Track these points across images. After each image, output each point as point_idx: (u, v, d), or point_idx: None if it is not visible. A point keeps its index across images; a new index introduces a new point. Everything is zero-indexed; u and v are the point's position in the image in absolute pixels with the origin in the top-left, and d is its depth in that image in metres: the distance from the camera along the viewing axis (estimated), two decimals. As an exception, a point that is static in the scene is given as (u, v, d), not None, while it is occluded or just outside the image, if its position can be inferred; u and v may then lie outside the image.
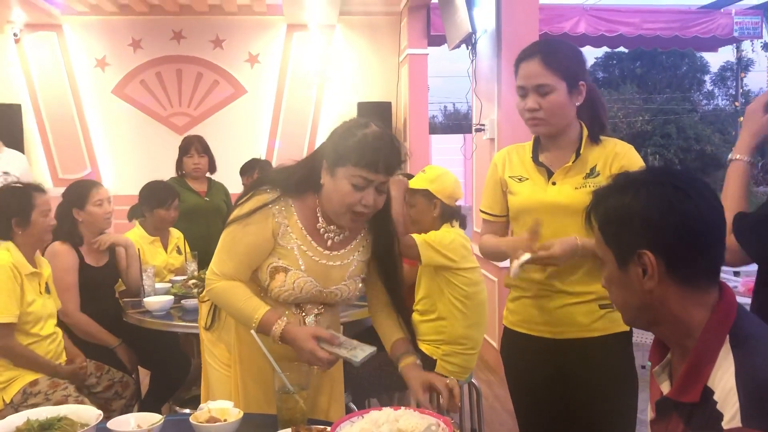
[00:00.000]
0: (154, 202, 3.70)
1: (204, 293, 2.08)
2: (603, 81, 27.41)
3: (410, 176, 3.21)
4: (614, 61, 28.18)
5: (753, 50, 22.49)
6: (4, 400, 2.67)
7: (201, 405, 1.75)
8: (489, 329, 4.55)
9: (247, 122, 7.21)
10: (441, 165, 3.15)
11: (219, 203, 4.30)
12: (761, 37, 7.94)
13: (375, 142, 1.77)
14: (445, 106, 32.99)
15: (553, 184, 2.04)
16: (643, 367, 3.81)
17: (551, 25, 7.02)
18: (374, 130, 1.79)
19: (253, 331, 1.80)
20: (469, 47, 5.34)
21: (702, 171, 22.75)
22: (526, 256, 1.89)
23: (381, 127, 1.82)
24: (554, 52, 2.02)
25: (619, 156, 2.01)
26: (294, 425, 1.67)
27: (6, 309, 2.64)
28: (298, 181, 1.89)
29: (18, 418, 1.65)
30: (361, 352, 1.82)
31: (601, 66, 27.99)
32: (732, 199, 1.73)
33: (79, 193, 3.25)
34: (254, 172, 4.32)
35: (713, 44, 8.13)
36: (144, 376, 3.49)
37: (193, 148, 4.27)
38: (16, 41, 6.93)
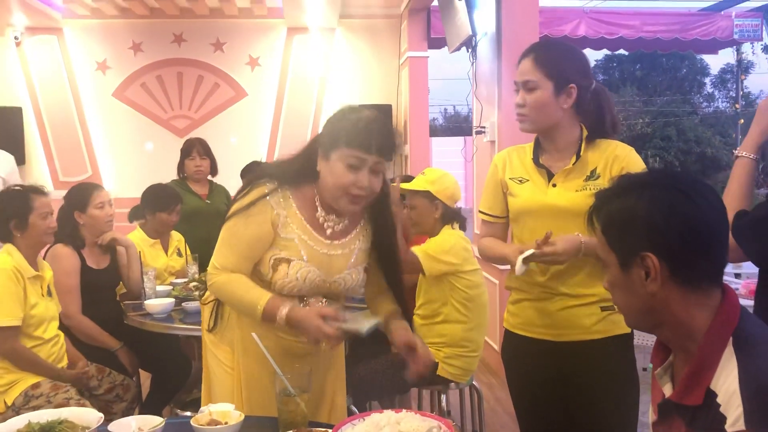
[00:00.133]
0: (157, 206, 3.71)
1: (206, 295, 2.09)
2: (603, 83, 27.29)
3: (410, 178, 3.21)
4: (614, 64, 28.19)
5: (753, 52, 22.58)
6: (5, 403, 2.67)
7: (202, 408, 1.75)
8: (490, 331, 4.55)
9: (247, 125, 7.21)
10: (441, 167, 3.16)
11: (220, 206, 4.30)
12: (761, 40, 7.94)
13: (367, 124, 1.82)
14: (446, 109, 33.02)
15: (554, 185, 2.04)
16: (644, 369, 3.81)
17: (551, 27, 7.03)
18: (367, 114, 1.84)
19: (253, 334, 1.80)
20: (470, 50, 5.34)
21: (702, 173, 22.75)
22: (530, 251, 1.89)
23: (374, 112, 1.86)
24: (546, 51, 2.05)
25: (620, 158, 2.01)
26: (295, 428, 1.66)
27: (10, 312, 2.64)
28: (295, 171, 1.92)
29: (19, 421, 1.65)
30: (366, 323, 1.84)
31: (601, 68, 27.99)
32: (734, 196, 1.73)
33: (81, 196, 3.25)
34: (255, 174, 4.32)
35: (713, 46, 8.14)
36: (145, 378, 3.48)
37: (195, 150, 4.27)
38: (17, 44, 6.93)
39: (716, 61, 33.05)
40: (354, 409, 2.88)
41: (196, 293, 3.23)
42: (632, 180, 1.27)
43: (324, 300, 1.98)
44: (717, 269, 1.23)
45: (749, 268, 5.02)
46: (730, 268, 5.07)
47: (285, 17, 6.97)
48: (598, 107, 2.06)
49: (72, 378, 2.83)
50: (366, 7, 6.99)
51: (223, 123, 7.16)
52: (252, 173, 2.03)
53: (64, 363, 2.89)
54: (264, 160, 5.85)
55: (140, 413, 3.11)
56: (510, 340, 2.20)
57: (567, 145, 2.06)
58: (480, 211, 2.26)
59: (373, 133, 1.81)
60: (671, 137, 25.02)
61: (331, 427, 1.62)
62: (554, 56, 2.02)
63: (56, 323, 2.89)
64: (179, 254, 3.89)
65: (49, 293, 2.87)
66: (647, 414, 1.43)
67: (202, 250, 3.63)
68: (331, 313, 1.81)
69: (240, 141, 7.09)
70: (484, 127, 4.97)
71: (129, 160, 7.08)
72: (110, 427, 1.61)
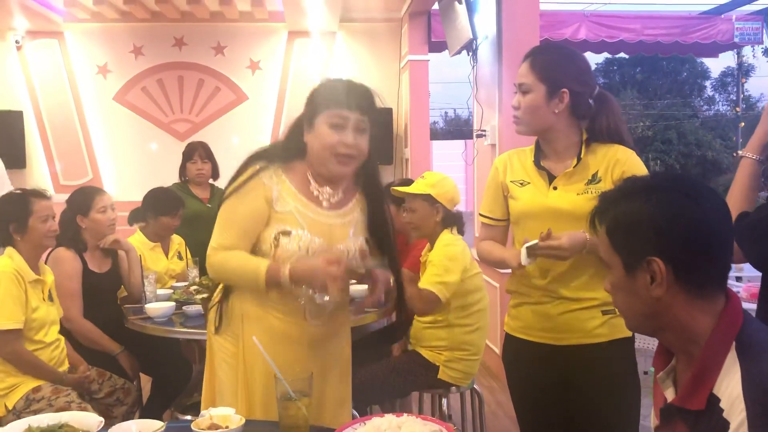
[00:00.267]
0: (159, 209, 3.71)
1: (214, 296, 2.08)
2: (603, 87, 27.30)
3: (408, 181, 3.21)
4: (615, 67, 28.21)
5: (754, 56, 22.58)
6: (6, 407, 2.67)
7: (202, 411, 1.74)
8: (491, 335, 4.55)
9: (248, 129, 7.21)
10: (442, 171, 3.16)
11: (221, 210, 4.29)
12: (762, 43, 7.96)
13: (345, 85, 1.92)
14: (446, 112, 33.06)
15: (555, 188, 2.04)
16: (646, 372, 3.80)
17: (552, 31, 7.04)
18: (343, 79, 1.95)
19: (254, 338, 1.80)
20: (470, 53, 5.35)
21: (703, 176, 22.75)
22: (534, 241, 1.89)
23: (350, 79, 1.96)
24: (543, 55, 2.06)
25: (621, 162, 2.01)
26: (296, 432, 1.66)
27: (12, 315, 2.65)
28: (284, 149, 1.99)
29: (19, 425, 1.65)
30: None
31: (602, 72, 28.01)
32: (736, 197, 1.73)
33: (83, 199, 3.26)
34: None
35: (714, 50, 8.14)
36: (145, 382, 3.48)
37: (197, 153, 4.27)
38: (18, 48, 6.94)
39: (717, 65, 33.15)
40: (355, 413, 2.87)
41: (197, 297, 3.22)
42: (639, 183, 1.27)
43: None
44: (722, 274, 1.22)
45: (750, 272, 5.02)
46: (731, 271, 5.06)
47: (286, 21, 6.98)
48: (600, 111, 2.06)
49: (73, 382, 2.83)
50: (367, 11, 6.99)
51: (223, 127, 7.16)
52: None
53: (65, 367, 2.89)
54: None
55: (141, 417, 3.10)
56: (511, 343, 2.19)
57: (566, 148, 2.06)
58: (480, 214, 2.26)
59: (352, 92, 1.90)
60: (672, 140, 25.03)
61: (332, 431, 1.62)
62: (550, 60, 2.03)
63: (57, 327, 2.89)
64: (180, 258, 3.89)
65: (50, 298, 2.87)
66: (648, 418, 1.43)
67: (202, 254, 3.59)
68: (334, 257, 1.81)
69: (241, 144, 7.09)
70: (484, 131, 4.97)
71: (130, 164, 7.08)
72: (111, 430, 1.61)
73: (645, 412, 1.96)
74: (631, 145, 2.07)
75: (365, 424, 1.58)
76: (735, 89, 23.98)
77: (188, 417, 3.03)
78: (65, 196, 3.38)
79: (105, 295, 3.31)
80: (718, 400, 1.13)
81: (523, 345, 2.13)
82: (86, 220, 3.23)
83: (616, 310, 1.38)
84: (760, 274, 1.71)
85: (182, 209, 3.78)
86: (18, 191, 2.90)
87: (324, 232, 1.93)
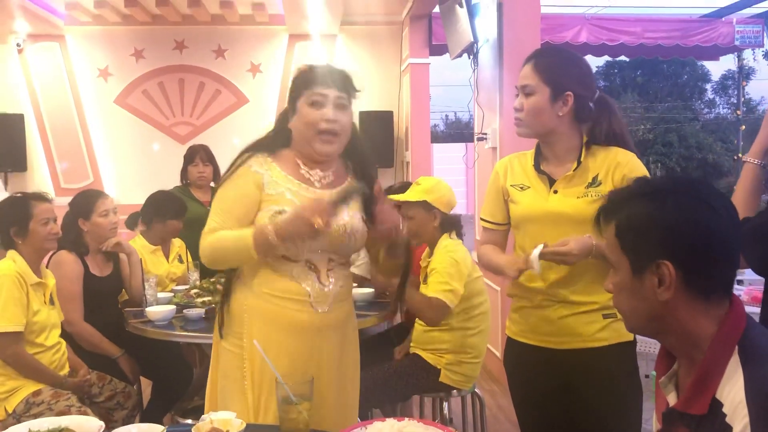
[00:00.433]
0: (168, 213, 3.71)
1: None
2: (604, 90, 27.30)
3: (409, 184, 3.20)
4: (615, 70, 28.20)
5: (754, 59, 22.49)
6: (6, 410, 2.67)
7: (203, 416, 1.74)
8: (492, 338, 4.54)
9: (249, 132, 7.07)
10: (443, 174, 3.16)
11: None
12: (762, 46, 7.94)
13: (322, 67, 2.00)
14: (447, 115, 33.06)
15: (555, 192, 2.04)
16: (647, 376, 3.79)
17: (553, 34, 7.04)
18: (320, 63, 2.03)
19: (255, 341, 1.80)
20: (471, 56, 5.35)
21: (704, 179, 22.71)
22: (541, 245, 1.88)
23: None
24: (547, 58, 2.06)
25: (622, 165, 2.00)
26: (297, 436, 1.66)
27: (14, 317, 2.65)
28: (271, 139, 2.05)
29: (19, 429, 1.65)
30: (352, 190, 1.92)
31: (602, 75, 28.01)
32: (739, 202, 1.72)
33: (85, 203, 3.26)
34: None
35: (714, 53, 8.14)
36: (146, 386, 3.48)
37: (198, 157, 4.27)
38: (20, 51, 6.95)
39: (717, 68, 33.13)
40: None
41: (198, 300, 3.22)
42: (653, 185, 1.25)
43: (331, 262, 1.98)
44: (730, 280, 1.21)
45: (752, 275, 5.00)
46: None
47: (286, 24, 6.98)
48: (601, 116, 2.06)
49: (74, 386, 2.83)
50: (367, 14, 7.00)
51: (224, 130, 7.16)
52: None
53: (66, 371, 2.88)
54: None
55: (141, 421, 3.10)
56: (512, 347, 2.19)
57: (567, 151, 2.06)
58: (481, 218, 2.26)
59: (328, 71, 1.98)
60: (673, 143, 25.02)
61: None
62: (554, 63, 2.03)
63: (58, 331, 2.89)
64: (180, 261, 3.89)
65: (51, 301, 2.87)
66: (650, 421, 1.42)
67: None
68: (316, 203, 1.83)
69: (241, 148, 7.07)
70: (485, 134, 4.96)
71: (131, 167, 7.09)
72: (111, 435, 1.61)
73: (647, 415, 1.96)
74: (633, 148, 2.06)
75: (366, 428, 1.58)
76: (736, 92, 23.95)
77: (189, 421, 3.03)
78: (66, 199, 3.39)
79: (106, 299, 3.31)
80: (720, 404, 1.12)
81: (524, 349, 2.13)
82: (88, 224, 3.23)
83: (617, 313, 1.37)
84: (760, 277, 1.70)
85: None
86: (18, 195, 2.91)
87: None
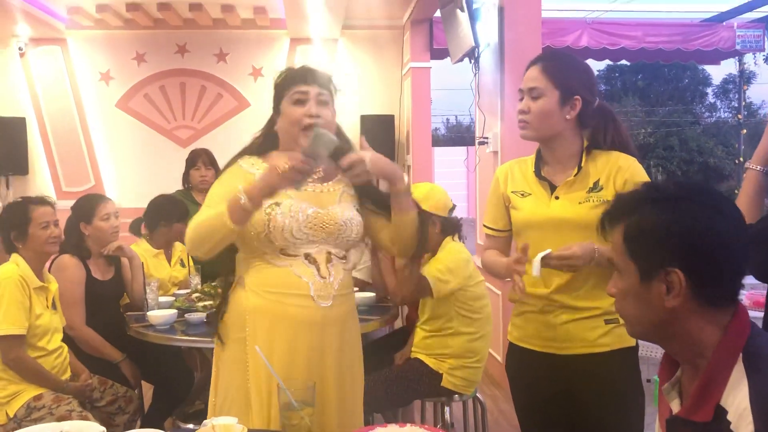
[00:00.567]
0: (174, 216, 3.72)
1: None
2: (605, 94, 27.44)
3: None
4: (616, 74, 28.21)
5: (755, 63, 22.58)
6: (7, 415, 2.67)
7: (204, 420, 1.74)
8: (493, 343, 4.54)
9: (250, 136, 7.15)
10: (444, 177, 3.16)
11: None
12: (763, 50, 7.95)
13: (301, 66, 2.08)
14: (448, 119, 33.03)
15: (556, 198, 2.04)
16: (648, 380, 3.78)
17: (554, 38, 7.05)
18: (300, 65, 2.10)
19: (257, 347, 1.79)
20: (472, 61, 5.35)
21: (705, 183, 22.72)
22: (547, 250, 1.88)
23: None
24: (555, 61, 2.06)
25: (623, 169, 2.00)
26: (299, 442, 1.65)
27: (16, 321, 2.65)
28: (259, 143, 2.13)
29: (21, 434, 1.65)
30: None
31: (603, 79, 28.01)
32: (743, 209, 1.71)
33: (87, 207, 3.27)
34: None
35: (715, 57, 8.14)
36: (147, 390, 3.47)
37: (200, 160, 4.27)
38: (21, 55, 6.97)
39: (718, 72, 33.14)
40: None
41: (199, 304, 3.22)
42: (663, 191, 1.23)
43: (329, 254, 1.97)
44: (737, 288, 1.20)
45: (753, 279, 4.99)
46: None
47: (288, 28, 6.99)
48: (605, 122, 2.05)
49: (75, 390, 2.83)
50: (369, 18, 7.01)
51: (226, 133, 7.16)
52: None
53: (68, 375, 2.88)
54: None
55: (142, 425, 3.10)
56: (514, 352, 2.18)
57: (568, 156, 2.05)
58: (484, 225, 2.26)
59: (305, 68, 2.06)
60: (674, 147, 25.02)
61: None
62: (563, 67, 2.03)
63: (60, 335, 2.89)
64: (182, 265, 3.89)
65: (53, 306, 2.87)
66: (652, 426, 1.42)
67: (205, 262, 3.63)
68: (288, 155, 1.88)
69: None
70: (486, 138, 4.97)
71: (132, 171, 7.09)
72: (112, 440, 1.61)
73: (649, 420, 1.95)
74: (635, 153, 2.06)
75: (368, 433, 1.58)
76: (737, 96, 24.00)
77: (190, 425, 3.03)
78: (67, 203, 3.39)
79: (107, 303, 3.31)
80: (725, 411, 1.11)
81: (526, 354, 2.12)
82: (89, 228, 3.23)
83: (620, 319, 1.37)
84: (762, 282, 1.70)
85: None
86: (18, 199, 2.91)
87: (312, 198, 1.96)
